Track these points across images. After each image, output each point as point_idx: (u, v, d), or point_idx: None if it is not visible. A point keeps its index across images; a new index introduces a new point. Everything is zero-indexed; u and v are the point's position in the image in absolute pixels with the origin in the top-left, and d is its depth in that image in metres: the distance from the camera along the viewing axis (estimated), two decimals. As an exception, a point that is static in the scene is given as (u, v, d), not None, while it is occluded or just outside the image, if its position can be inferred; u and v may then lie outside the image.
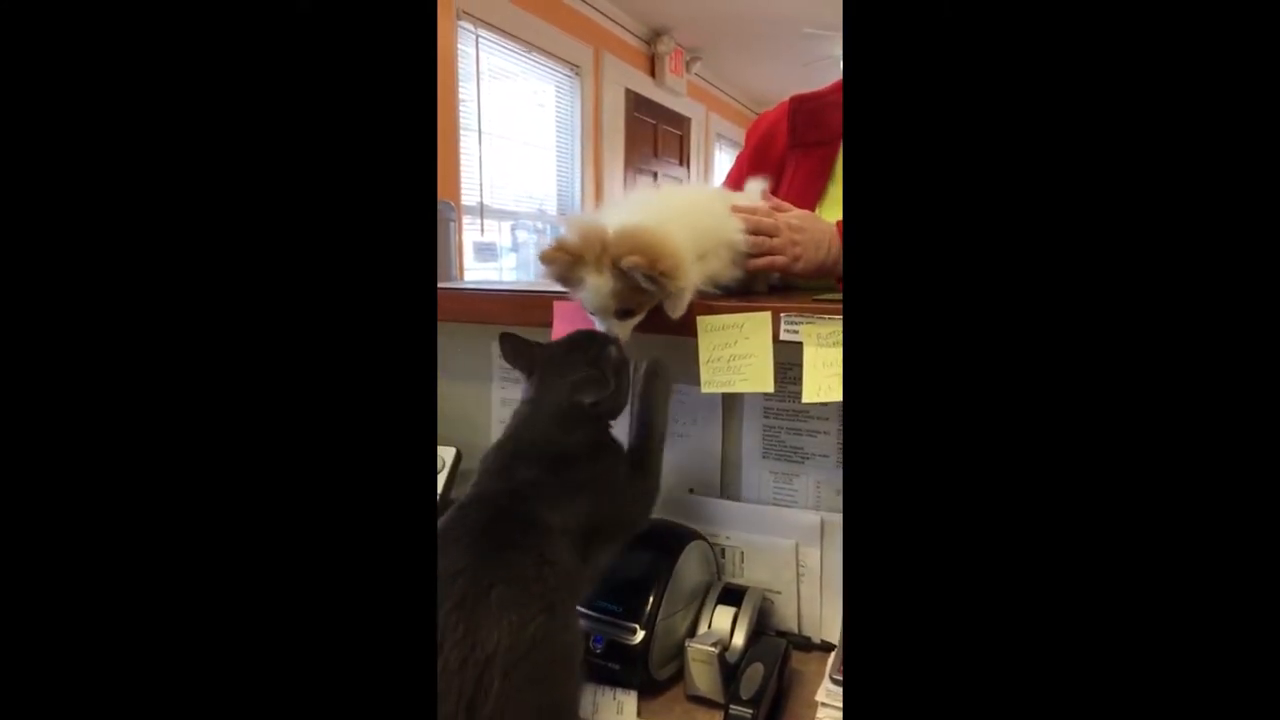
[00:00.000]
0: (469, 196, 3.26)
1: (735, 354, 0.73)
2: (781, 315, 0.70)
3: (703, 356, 0.74)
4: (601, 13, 3.98)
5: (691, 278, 0.73)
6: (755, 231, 0.82)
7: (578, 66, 3.92)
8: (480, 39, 3.24)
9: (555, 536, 0.63)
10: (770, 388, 0.72)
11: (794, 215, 0.86)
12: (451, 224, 2.69)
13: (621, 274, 0.68)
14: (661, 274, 0.68)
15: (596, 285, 0.70)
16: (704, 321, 0.74)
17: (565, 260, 0.70)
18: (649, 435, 0.76)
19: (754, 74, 5.41)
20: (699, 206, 0.84)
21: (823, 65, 4.22)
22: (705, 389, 0.75)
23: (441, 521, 0.65)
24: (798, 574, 0.86)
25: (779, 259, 0.83)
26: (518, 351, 0.74)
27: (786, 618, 0.87)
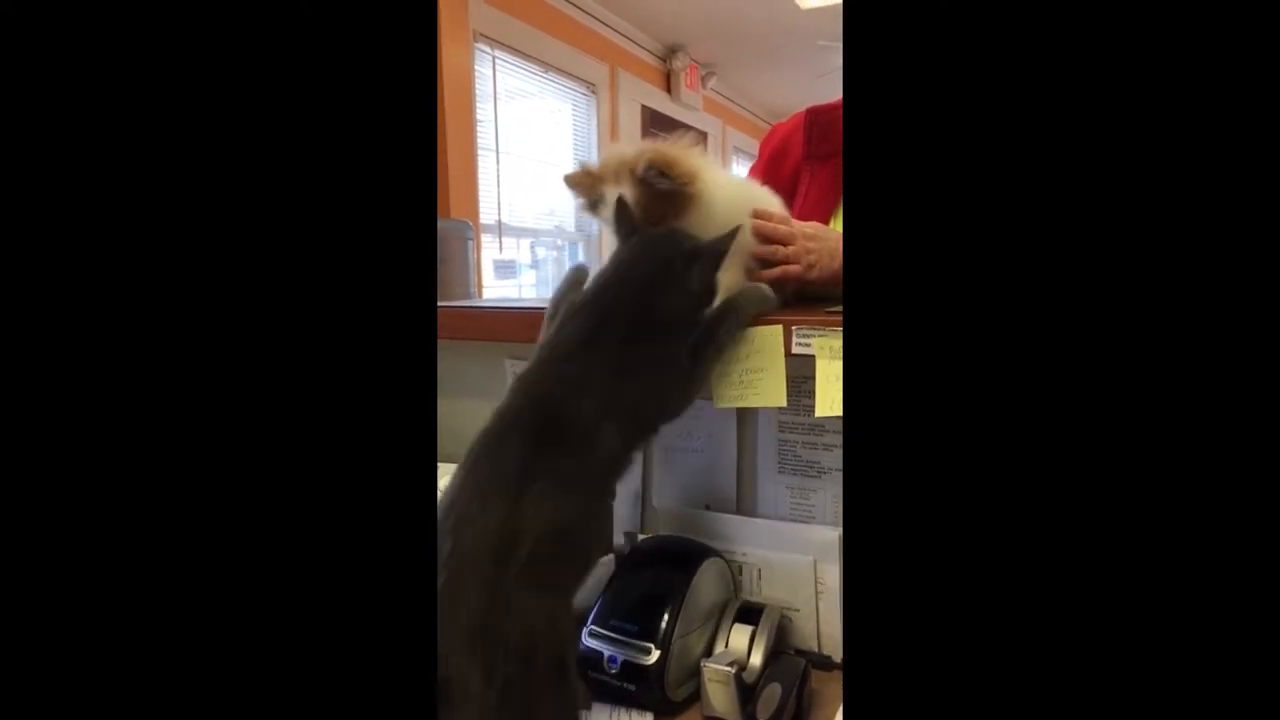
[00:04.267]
0: (488, 215, 3.28)
1: (747, 368, 0.72)
2: (793, 328, 0.69)
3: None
4: (617, 31, 4.01)
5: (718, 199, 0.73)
6: (769, 239, 0.81)
7: (593, 84, 3.95)
8: (496, 59, 3.27)
9: (597, 434, 0.63)
10: (783, 402, 0.71)
11: (807, 226, 0.85)
12: (469, 242, 2.72)
13: (640, 182, 0.69)
14: (679, 173, 0.69)
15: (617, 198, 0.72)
16: (715, 336, 0.73)
17: (587, 180, 0.73)
18: (711, 334, 0.71)
19: (770, 87, 5.41)
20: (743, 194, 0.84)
21: (837, 76, 4.21)
22: (718, 404, 0.74)
23: (491, 422, 0.65)
24: (816, 591, 0.84)
25: (793, 268, 0.82)
26: (627, 214, 0.73)
27: (806, 636, 0.85)
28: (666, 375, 0.67)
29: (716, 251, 0.68)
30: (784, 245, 0.81)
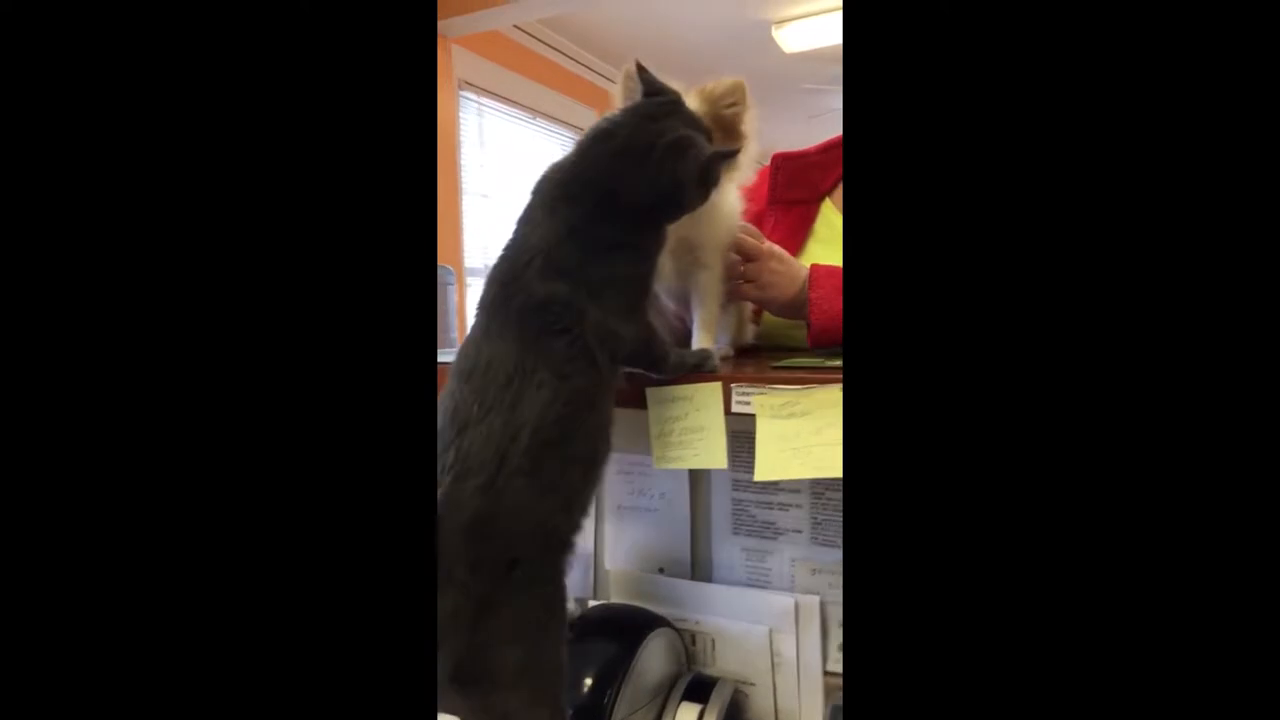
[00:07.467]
0: (473, 260, 3.28)
1: (686, 427, 0.68)
2: (733, 386, 0.65)
3: (653, 430, 0.69)
4: (601, 75, 4.05)
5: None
6: (739, 250, 0.80)
7: (580, 129, 3.97)
8: (481, 106, 3.29)
9: (582, 312, 0.59)
10: (724, 464, 0.66)
11: (777, 249, 0.84)
12: (451, 288, 2.69)
13: (710, 102, 0.78)
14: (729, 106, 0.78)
15: None
16: (653, 393, 0.69)
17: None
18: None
19: (759, 131, 5.47)
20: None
21: (827, 119, 4.24)
22: (657, 465, 0.69)
23: (482, 303, 0.63)
24: (773, 663, 0.79)
25: (749, 289, 0.81)
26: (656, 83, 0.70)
27: (762, 713, 0.79)
28: (633, 266, 0.64)
29: (715, 155, 0.63)
30: (751, 260, 0.81)
